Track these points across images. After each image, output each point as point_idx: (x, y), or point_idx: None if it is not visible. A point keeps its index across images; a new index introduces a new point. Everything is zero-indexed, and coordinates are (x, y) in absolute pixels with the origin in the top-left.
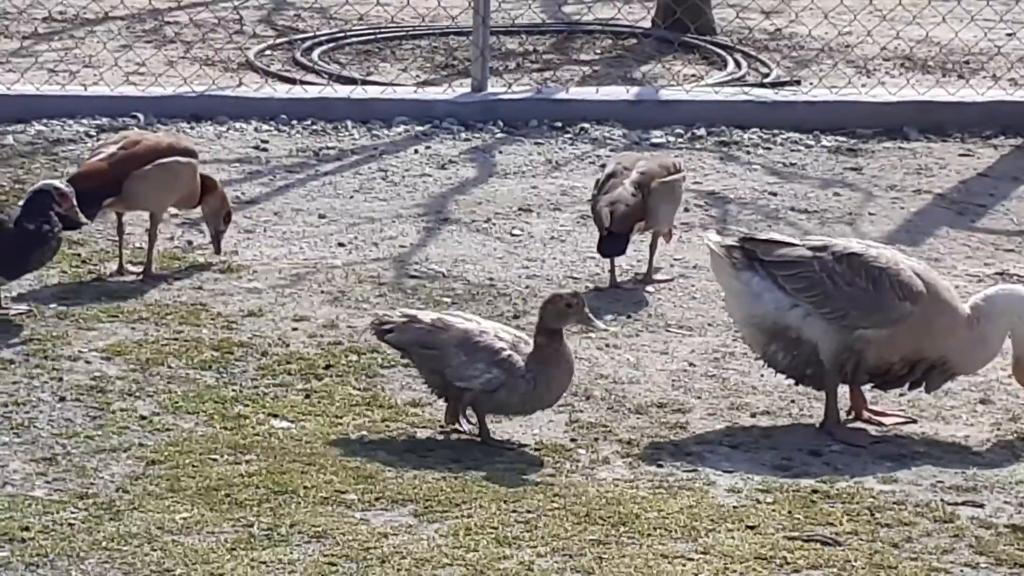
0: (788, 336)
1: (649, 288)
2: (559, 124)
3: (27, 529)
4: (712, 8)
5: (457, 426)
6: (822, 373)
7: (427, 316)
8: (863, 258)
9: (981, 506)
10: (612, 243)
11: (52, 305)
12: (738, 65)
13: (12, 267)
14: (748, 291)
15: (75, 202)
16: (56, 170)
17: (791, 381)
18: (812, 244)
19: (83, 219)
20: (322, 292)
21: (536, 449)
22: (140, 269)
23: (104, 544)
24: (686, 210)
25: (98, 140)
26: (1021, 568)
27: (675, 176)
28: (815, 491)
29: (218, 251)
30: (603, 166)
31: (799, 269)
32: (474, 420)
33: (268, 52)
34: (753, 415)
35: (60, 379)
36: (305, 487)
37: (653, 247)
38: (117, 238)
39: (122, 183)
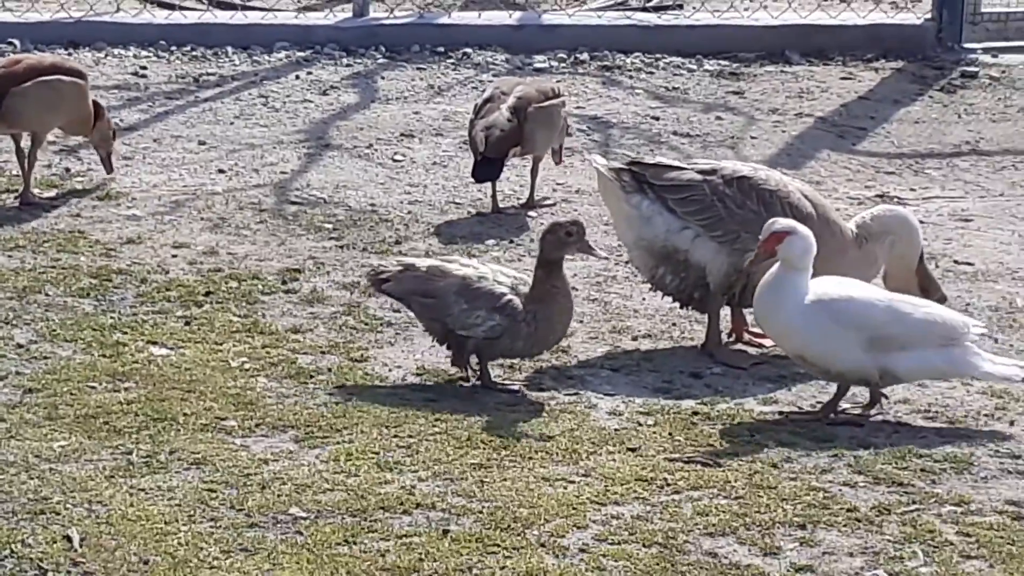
0: (677, 259)
1: (531, 213)
2: (441, 49)
3: None
4: None
5: (463, 372)
6: (708, 296)
7: (424, 263)
8: (752, 181)
9: (861, 426)
10: (486, 168)
11: None
12: None
13: None
14: (638, 214)
15: None
16: None
17: (676, 304)
18: (701, 167)
19: None
20: (202, 219)
21: (418, 374)
22: (16, 195)
23: None
24: (568, 134)
25: None
26: (898, 487)
27: (553, 101)
28: (696, 413)
29: (110, 171)
30: (483, 92)
31: (690, 192)
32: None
33: None
34: (635, 338)
35: None
36: (185, 414)
37: (534, 172)
38: (18, 161)
39: (1, 102)
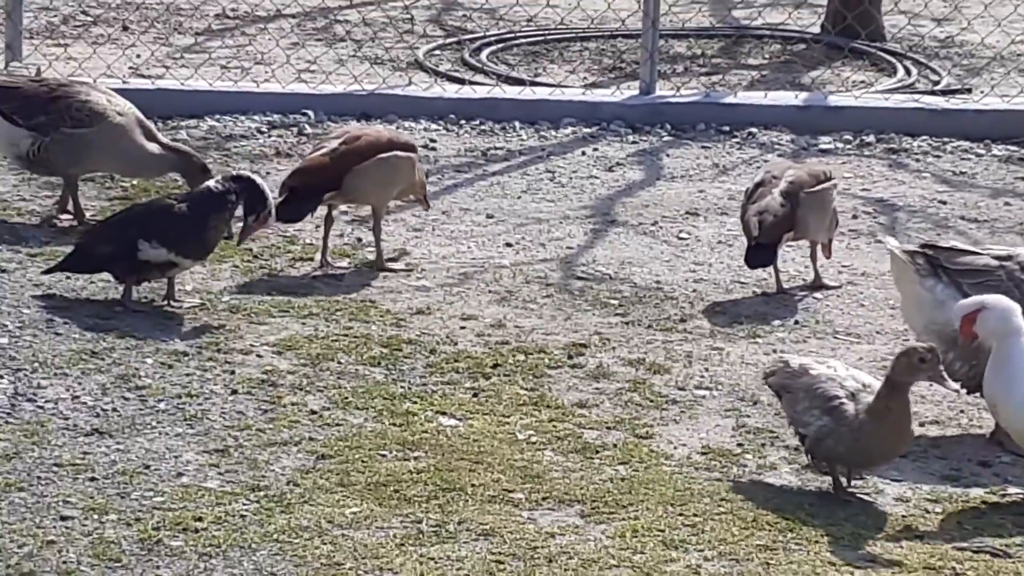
0: None
1: (817, 295)
2: (727, 128)
3: (200, 519)
4: (883, 15)
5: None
6: None
7: (796, 361)
8: None
9: None
10: (760, 254)
11: (224, 299)
12: (908, 72)
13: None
14: (931, 298)
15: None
16: (228, 165)
17: (965, 391)
18: (996, 253)
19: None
20: (489, 291)
21: (703, 453)
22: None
23: (275, 536)
24: (854, 217)
25: (269, 136)
26: None
27: (825, 185)
28: (985, 502)
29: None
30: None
31: (985, 278)
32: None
33: (437, 52)
34: (922, 424)
35: (232, 372)
36: (473, 485)
37: (814, 254)
38: (323, 230)
39: (343, 178)
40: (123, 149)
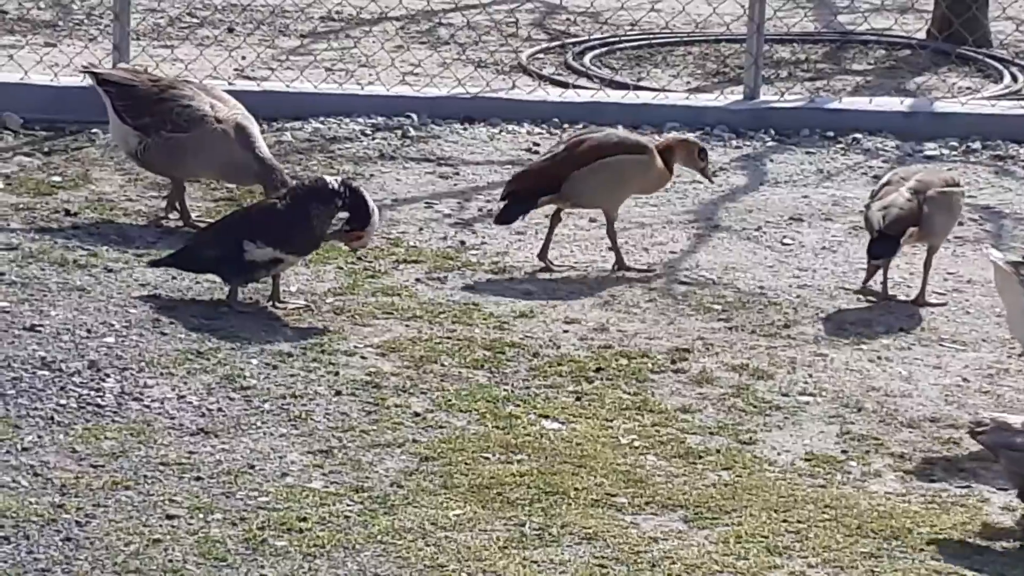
0: None
1: (920, 311)
2: (831, 134)
3: (304, 520)
4: (990, 21)
5: None
6: None
7: (1018, 420)
8: None
9: None
10: (883, 244)
11: (328, 300)
12: (1015, 79)
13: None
14: None
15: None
16: (332, 167)
17: None
18: None
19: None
20: (592, 295)
21: (807, 459)
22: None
23: (379, 538)
24: (959, 224)
25: (373, 139)
26: None
27: (954, 189)
28: None
29: (710, 180)
30: (877, 178)
31: None
32: None
33: (541, 56)
34: None
35: (336, 373)
36: (576, 488)
37: (928, 264)
38: (547, 229)
39: (561, 183)
40: (217, 156)
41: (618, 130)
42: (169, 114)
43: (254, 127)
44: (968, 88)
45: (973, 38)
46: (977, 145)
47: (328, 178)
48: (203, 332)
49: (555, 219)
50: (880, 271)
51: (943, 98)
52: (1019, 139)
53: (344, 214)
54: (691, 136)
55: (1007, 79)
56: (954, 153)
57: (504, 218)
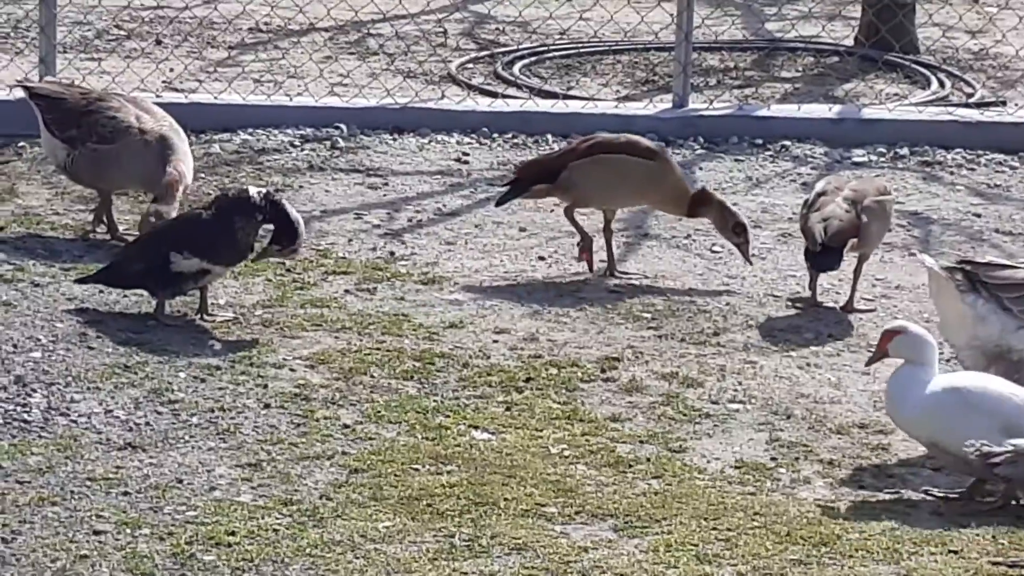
0: (1010, 359)
1: (849, 317)
2: (760, 141)
3: (233, 534)
4: (916, 27)
5: None
6: None
7: None
8: None
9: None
10: (826, 257)
11: (257, 312)
12: (942, 85)
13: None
14: (973, 314)
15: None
16: (261, 178)
17: None
18: None
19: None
20: (522, 305)
21: (736, 467)
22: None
23: (308, 551)
24: (888, 230)
25: (302, 150)
26: None
27: (887, 197)
28: (1020, 517)
29: (748, 261)
30: (806, 185)
31: None
32: None
33: (470, 65)
34: None
35: (265, 386)
36: (506, 499)
37: (858, 272)
38: (604, 238)
39: (557, 173)
40: (140, 168)
41: (640, 137)
42: (95, 126)
43: (179, 139)
44: (896, 94)
45: (900, 44)
46: (905, 151)
47: (251, 189)
48: (131, 346)
49: (608, 230)
50: (810, 279)
51: (871, 105)
52: (946, 145)
53: (269, 226)
54: (730, 205)
55: (934, 85)
56: (882, 159)
57: (499, 201)
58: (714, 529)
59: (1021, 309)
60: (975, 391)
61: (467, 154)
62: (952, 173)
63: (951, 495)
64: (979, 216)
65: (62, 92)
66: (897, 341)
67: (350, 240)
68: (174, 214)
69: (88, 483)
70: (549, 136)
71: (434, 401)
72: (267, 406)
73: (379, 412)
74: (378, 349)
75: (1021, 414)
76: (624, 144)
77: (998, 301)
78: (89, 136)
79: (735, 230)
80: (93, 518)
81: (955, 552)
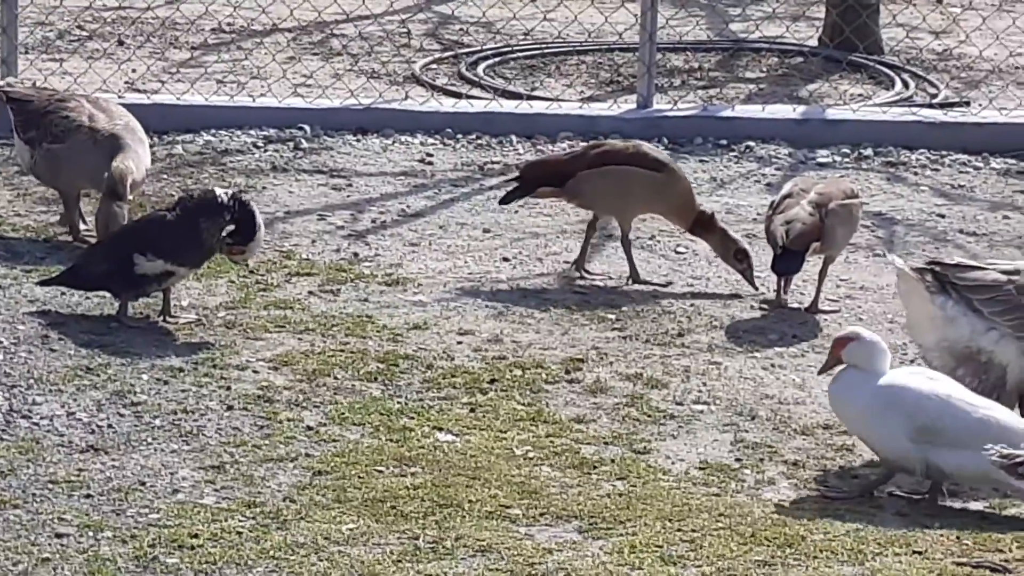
0: (979, 360)
1: (815, 317)
2: (724, 142)
3: (196, 536)
4: (881, 28)
5: None
6: (1004, 396)
7: None
8: None
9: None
10: (788, 260)
11: (220, 314)
12: (906, 85)
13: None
14: (942, 315)
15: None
16: (224, 180)
17: None
18: (1002, 268)
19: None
20: (486, 306)
21: (701, 468)
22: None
23: (271, 553)
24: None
25: (265, 151)
26: None
27: (852, 200)
28: (984, 517)
29: (753, 286)
30: (771, 185)
31: (995, 293)
32: None
33: (434, 66)
34: None
35: (228, 388)
36: (470, 500)
37: (823, 274)
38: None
39: (565, 179)
40: (90, 166)
41: (654, 147)
42: (49, 126)
43: (132, 137)
44: (860, 95)
45: (864, 45)
46: (869, 152)
47: (218, 190)
48: (93, 348)
49: (591, 228)
50: (777, 279)
51: (835, 105)
52: (911, 145)
53: (231, 227)
54: (732, 232)
55: (898, 86)
56: (846, 160)
57: (505, 199)
58: (679, 530)
59: (991, 311)
60: (896, 391)
61: (431, 155)
62: (916, 174)
63: (915, 496)
64: (943, 216)
65: (31, 95)
66: (850, 348)
67: (314, 241)
68: (126, 208)
69: (50, 486)
70: (513, 137)
71: (398, 403)
72: (230, 408)
73: (343, 414)
74: (342, 351)
75: (943, 416)
76: (632, 155)
77: (968, 303)
78: (45, 136)
79: (737, 257)
80: (55, 521)
81: (919, 552)
